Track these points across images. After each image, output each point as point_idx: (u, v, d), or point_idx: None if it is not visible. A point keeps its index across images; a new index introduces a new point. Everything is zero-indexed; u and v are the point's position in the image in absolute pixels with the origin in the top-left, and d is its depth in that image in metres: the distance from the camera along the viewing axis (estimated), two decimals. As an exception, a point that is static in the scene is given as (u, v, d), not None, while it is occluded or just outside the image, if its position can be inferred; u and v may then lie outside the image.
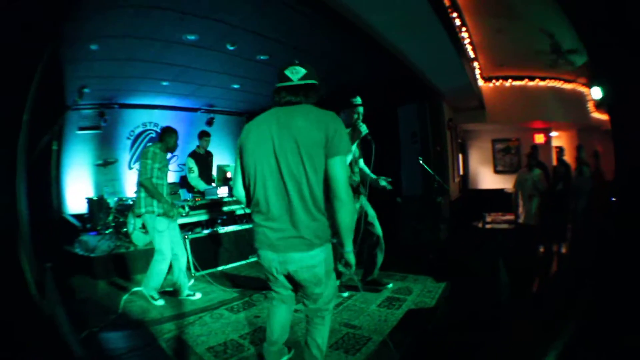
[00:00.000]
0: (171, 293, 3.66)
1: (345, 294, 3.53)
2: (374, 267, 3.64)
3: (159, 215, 3.37)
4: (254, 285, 3.93)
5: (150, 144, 4.06)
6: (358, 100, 3.36)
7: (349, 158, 3.14)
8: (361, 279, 3.70)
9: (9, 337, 1.39)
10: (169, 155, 3.65)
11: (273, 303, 2.06)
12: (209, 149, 5.54)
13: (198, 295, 3.61)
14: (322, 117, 1.68)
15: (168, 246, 3.44)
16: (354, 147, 3.35)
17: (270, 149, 1.68)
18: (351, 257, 1.76)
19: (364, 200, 3.52)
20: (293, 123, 1.66)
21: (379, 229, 3.57)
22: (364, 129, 3.22)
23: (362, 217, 3.52)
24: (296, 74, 1.76)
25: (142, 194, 3.39)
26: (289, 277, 1.80)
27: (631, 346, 1.35)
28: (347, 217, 1.66)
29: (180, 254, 3.57)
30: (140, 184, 3.38)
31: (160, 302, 3.44)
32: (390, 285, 3.65)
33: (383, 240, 3.58)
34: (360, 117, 3.31)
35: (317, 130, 1.64)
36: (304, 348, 1.98)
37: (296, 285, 1.86)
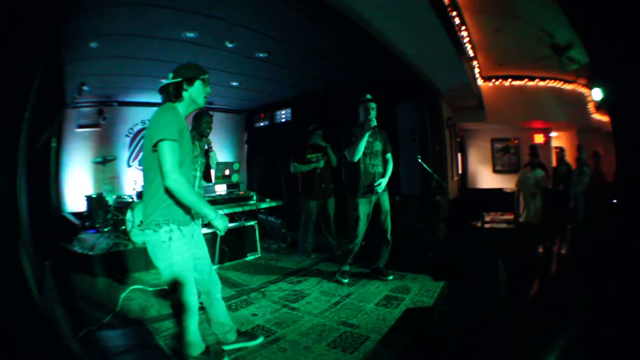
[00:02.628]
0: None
1: (346, 280, 3.85)
2: (378, 257, 3.99)
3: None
4: (251, 283, 3.94)
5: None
6: (368, 96, 3.82)
7: (359, 151, 3.63)
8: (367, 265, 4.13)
9: (7, 335, 1.38)
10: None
11: None
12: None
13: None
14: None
15: None
16: (364, 141, 3.68)
17: None
18: (216, 224, 2.05)
19: (384, 195, 3.88)
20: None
21: (388, 225, 3.92)
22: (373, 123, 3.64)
23: (379, 210, 3.88)
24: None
25: None
26: None
27: (630, 346, 1.36)
28: (180, 197, 1.92)
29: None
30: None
31: None
32: (390, 277, 3.90)
33: (390, 236, 3.94)
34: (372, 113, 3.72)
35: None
36: None
37: None
